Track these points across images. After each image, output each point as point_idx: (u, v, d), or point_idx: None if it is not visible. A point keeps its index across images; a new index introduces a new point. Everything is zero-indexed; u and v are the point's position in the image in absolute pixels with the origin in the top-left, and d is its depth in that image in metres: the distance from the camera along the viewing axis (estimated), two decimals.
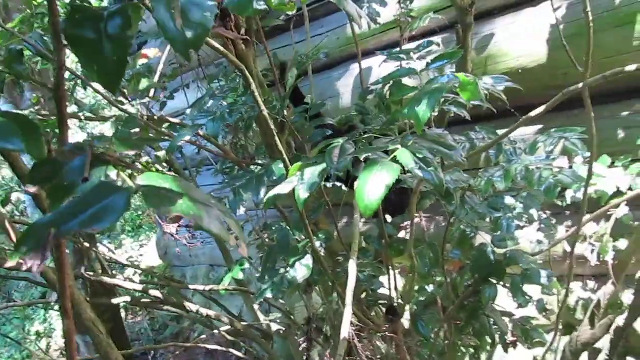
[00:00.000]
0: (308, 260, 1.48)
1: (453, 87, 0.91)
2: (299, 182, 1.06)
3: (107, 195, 0.51)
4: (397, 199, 2.03)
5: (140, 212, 6.97)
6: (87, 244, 2.67)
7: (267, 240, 2.32)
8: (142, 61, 1.77)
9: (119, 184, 0.53)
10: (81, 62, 0.60)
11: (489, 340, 1.79)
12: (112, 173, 0.56)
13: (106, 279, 2.35)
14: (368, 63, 2.65)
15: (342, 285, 1.61)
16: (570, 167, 1.60)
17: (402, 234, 1.96)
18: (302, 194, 1.04)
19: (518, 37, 2.23)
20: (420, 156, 0.92)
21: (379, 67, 2.63)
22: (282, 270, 1.53)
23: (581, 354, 1.94)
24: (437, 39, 2.47)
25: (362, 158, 0.99)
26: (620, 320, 1.49)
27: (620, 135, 2.07)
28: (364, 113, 1.87)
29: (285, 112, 1.72)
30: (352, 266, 1.33)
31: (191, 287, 2.57)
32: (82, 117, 2.29)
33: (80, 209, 0.50)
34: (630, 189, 1.64)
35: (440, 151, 0.98)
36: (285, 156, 1.32)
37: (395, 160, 0.92)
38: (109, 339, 1.35)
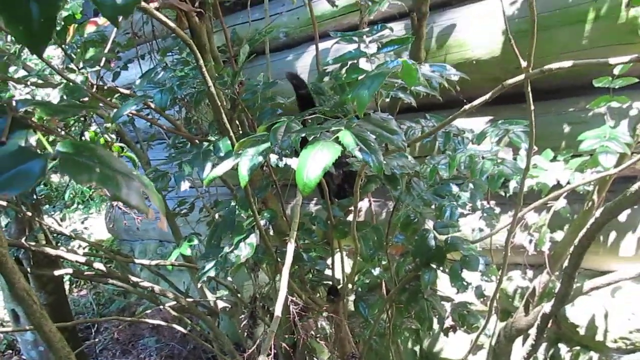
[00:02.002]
0: (252, 239, 1.48)
1: (397, 71, 0.92)
2: (241, 159, 1.05)
3: (23, 160, 0.50)
4: (347, 183, 2.04)
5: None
6: (29, 214, 2.59)
7: (217, 217, 2.30)
8: (90, 28, 1.71)
9: (38, 149, 0.51)
10: (5, 22, 0.57)
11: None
12: (33, 138, 0.54)
13: (48, 250, 2.29)
14: (326, 45, 2.64)
15: None
16: (515, 159, 1.65)
17: (350, 217, 1.98)
18: (244, 171, 1.04)
19: (476, 29, 2.26)
20: (362, 138, 0.93)
21: (334, 48, 2.63)
22: (226, 249, 1.52)
23: (515, 339, 2.02)
24: (396, 25, 2.48)
25: (309, 138, 1.00)
26: (547, 307, 1.55)
27: (565, 130, 2.14)
28: (319, 93, 1.87)
29: (237, 89, 1.70)
30: (290, 245, 1.34)
31: (137, 261, 2.53)
32: (28, 83, 2.20)
33: None
34: (568, 182, 1.70)
35: (382, 135, 0.99)
36: (231, 132, 1.31)
37: (337, 140, 0.92)
38: (43, 309, 1.32)
